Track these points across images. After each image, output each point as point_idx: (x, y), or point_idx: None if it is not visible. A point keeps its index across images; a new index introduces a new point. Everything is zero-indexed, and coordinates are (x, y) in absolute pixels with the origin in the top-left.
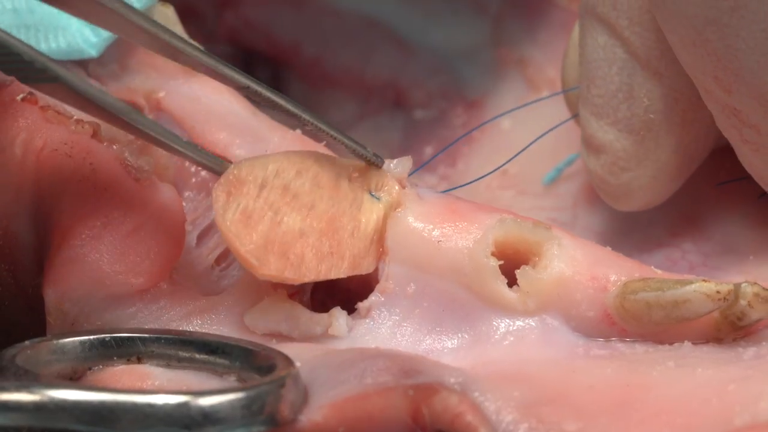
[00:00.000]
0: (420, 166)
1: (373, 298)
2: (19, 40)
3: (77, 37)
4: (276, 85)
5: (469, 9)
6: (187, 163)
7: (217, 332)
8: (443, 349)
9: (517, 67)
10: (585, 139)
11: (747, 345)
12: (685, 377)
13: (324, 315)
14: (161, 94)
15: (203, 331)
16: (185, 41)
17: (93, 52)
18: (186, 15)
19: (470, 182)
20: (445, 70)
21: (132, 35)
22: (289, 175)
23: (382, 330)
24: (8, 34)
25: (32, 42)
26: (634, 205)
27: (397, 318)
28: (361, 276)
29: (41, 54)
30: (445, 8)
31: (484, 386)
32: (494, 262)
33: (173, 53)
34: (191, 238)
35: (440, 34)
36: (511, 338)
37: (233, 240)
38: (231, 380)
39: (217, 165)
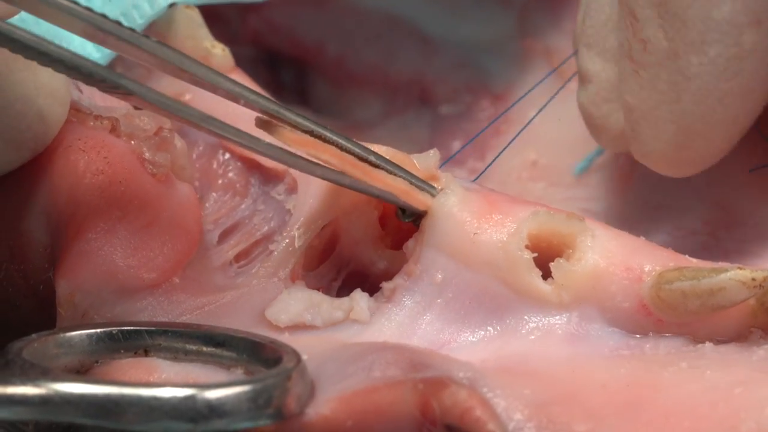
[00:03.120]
0: (447, 159)
1: (398, 280)
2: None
3: (79, 51)
4: (301, 85)
5: (493, 1)
6: (214, 165)
7: (231, 326)
8: (462, 341)
9: (543, 57)
10: (579, 74)
11: (763, 344)
12: (694, 379)
13: (345, 299)
14: (187, 97)
15: (215, 324)
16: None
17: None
18: (210, 17)
19: (485, 169)
20: (469, 64)
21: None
22: None
23: (403, 317)
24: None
25: None
26: (611, 141)
27: (420, 305)
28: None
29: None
30: (468, 2)
31: (493, 382)
32: (528, 255)
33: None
34: (213, 236)
35: (464, 28)
36: (539, 333)
37: None
38: (238, 373)
39: (285, 158)
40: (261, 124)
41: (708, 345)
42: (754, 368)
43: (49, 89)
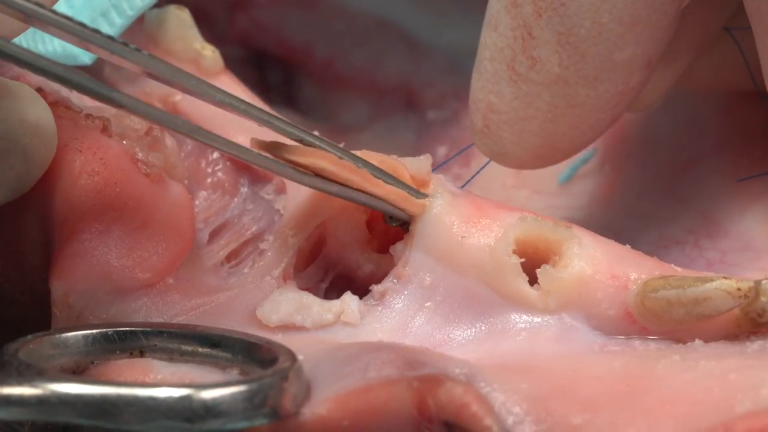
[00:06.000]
0: (436, 168)
1: (388, 283)
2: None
3: (66, 50)
4: (288, 87)
5: (480, 8)
6: (203, 164)
7: (226, 327)
8: (454, 342)
9: None
10: (477, 57)
11: (755, 339)
12: (688, 369)
13: (336, 301)
14: (177, 98)
15: (210, 325)
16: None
17: (86, 60)
18: (197, 17)
19: (472, 177)
20: (457, 70)
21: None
22: None
23: (394, 319)
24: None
25: (30, 42)
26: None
27: (411, 308)
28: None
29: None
30: (457, 8)
31: (490, 377)
32: (515, 260)
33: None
34: (203, 235)
35: (452, 34)
36: (526, 334)
37: None
38: (234, 374)
39: (275, 168)
40: (263, 146)
41: (698, 341)
42: (749, 357)
43: (36, 129)
